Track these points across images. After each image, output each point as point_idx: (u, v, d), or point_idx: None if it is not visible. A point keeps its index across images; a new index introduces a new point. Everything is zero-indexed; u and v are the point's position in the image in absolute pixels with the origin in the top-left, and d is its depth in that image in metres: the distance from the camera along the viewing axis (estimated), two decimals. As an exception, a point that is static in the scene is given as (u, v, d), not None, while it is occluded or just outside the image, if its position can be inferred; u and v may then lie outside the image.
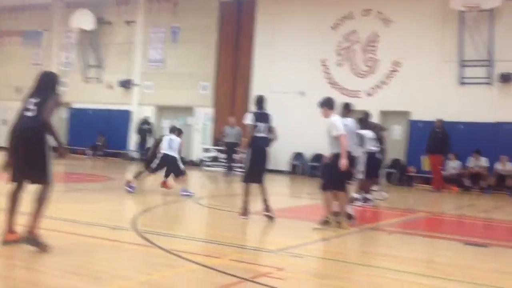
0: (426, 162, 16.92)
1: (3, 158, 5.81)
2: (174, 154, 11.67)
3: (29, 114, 5.72)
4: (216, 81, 22.31)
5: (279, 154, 17.53)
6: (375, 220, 10.34)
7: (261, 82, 20.94)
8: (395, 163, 17.96)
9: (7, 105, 26.67)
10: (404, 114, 18.50)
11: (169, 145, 11.76)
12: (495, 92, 17.17)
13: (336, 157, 8.00)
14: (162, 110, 23.63)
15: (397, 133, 18.76)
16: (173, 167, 11.65)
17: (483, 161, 16.47)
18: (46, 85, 5.97)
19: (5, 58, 27.30)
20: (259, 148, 8.64)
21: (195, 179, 17.28)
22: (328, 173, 8.27)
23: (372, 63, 19.25)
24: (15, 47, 27.11)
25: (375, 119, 18.72)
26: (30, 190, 5.80)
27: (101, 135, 23.85)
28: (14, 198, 5.76)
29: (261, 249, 6.74)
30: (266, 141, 8.70)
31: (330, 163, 8.11)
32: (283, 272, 5.48)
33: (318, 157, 19.41)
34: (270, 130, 8.75)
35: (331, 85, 19.69)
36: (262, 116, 8.73)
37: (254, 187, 8.71)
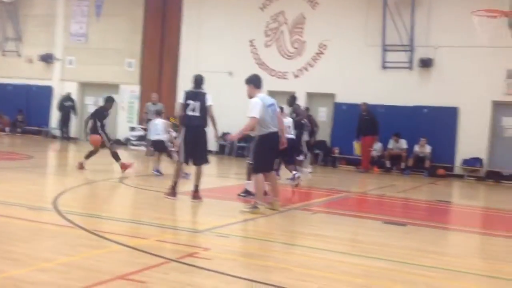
0: (358, 147, 17.35)
1: None
2: (162, 137, 12.02)
3: None
4: (143, 57, 21.82)
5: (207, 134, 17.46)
6: (300, 200, 10.53)
7: (188, 60, 20.70)
8: (321, 144, 18.35)
9: None
10: (329, 96, 18.89)
11: (155, 131, 12.06)
12: (415, 77, 17.85)
13: (262, 138, 8.02)
14: (86, 86, 22.87)
15: (322, 115, 19.15)
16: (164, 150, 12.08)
17: (403, 143, 17.14)
18: None
19: None
20: (190, 127, 8.51)
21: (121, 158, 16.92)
22: (256, 155, 8.28)
23: (299, 44, 19.46)
24: None
25: (302, 100, 19.10)
26: None
27: (20, 111, 22.81)
28: None
29: (188, 229, 6.70)
30: (199, 120, 8.49)
31: (257, 145, 8.14)
32: (209, 252, 5.48)
33: (246, 138, 19.53)
34: (204, 109, 8.54)
35: (259, 65, 19.75)
36: (195, 95, 8.57)
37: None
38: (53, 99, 22.76)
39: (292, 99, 13.42)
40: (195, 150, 8.59)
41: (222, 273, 4.72)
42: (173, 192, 8.60)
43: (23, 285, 4.03)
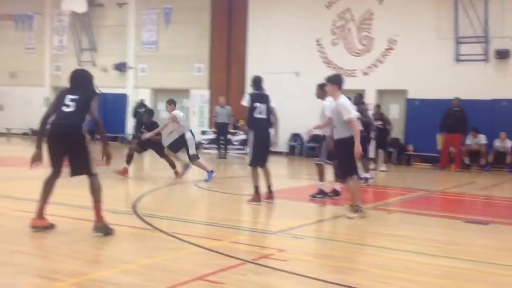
0: (440, 141, 16.72)
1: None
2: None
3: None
4: (211, 62, 22.17)
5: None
6: (375, 199, 10.34)
7: (256, 62, 20.82)
8: (394, 142, 17.95)
9: (3, 90, 26.57)
10: (401, 92, 18.45)
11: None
12: (491, 69, 17.12)
13: (348, 141, 7.52)
14: (158, 93, 23.51)
15: (394, 112, 18.73)
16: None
17: (482, 139, 16.46)
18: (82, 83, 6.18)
19: (-2, 42, 27.04)
20: (260, 130, 8.44)
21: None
22: (343, 159, 7.78)
23: (367, 41, 19.14)
24: (7, 31, 26.81)
25: (372, 98, 18.76)
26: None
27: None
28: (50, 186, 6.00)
29: (262, 230, 6.73)
30: (267, 123, 8.48)
31: (346, 149, 7.56)
32: (284, 253, 5.47)
33: (316, 138, 19.41)
34: (270, 111, 8.53)
35: (326, 64, 19.59)
36: (260, 97, 8.55)
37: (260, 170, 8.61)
38: (128, 106, 23.56)
39: (358, 98, 13.02)
40: (266, 153, 8.60)
41: (299, 275, 4.70)
42: (256, 197, 8.43)
43: (107, 286, 4.18)
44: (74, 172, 6.02)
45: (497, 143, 16.34)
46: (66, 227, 6.32)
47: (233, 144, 20.52)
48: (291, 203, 8.99)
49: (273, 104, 8.54)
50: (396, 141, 18.15)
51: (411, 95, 18.30)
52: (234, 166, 12.67)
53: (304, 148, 19.65)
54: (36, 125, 6.32)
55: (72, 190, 7.55)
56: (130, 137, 23.20)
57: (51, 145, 5.90)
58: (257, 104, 8.43)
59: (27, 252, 5.13)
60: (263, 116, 8.42)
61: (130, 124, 23.43)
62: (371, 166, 14.99)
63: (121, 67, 23.83)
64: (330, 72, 19.47)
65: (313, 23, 19.86)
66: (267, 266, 4.92)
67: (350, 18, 19.47)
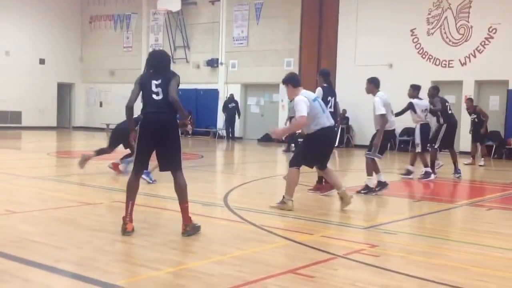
0: None
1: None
2: None
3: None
4: (301, 56, 22.12)
5: (365, 129, 17.21)
6: (472, 195, 9.88)
7: (347, 55, 20.56)
8: (493, 135, 17.05)
9: (103, 87, 28.06)
10: (502, 83, 17.48)
11: None
12: None
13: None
14: (248, 87, 23.82)
15: (494, 103, 17.79)
16: None
17: None
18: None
19: (98, 42, 28.53)
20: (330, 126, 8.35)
21: (283, 156, 17.35)
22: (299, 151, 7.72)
23: (465, 30, 18.30)
24: (106, 31, 28.24)
25: (470, 89, 17.94)
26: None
27: (190, 114, 24.48)
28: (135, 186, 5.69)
29: (353, 225, 6.63)
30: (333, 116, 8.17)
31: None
32: (376, 248, 5.36)
33: (408, 131, 18.87)
34: (336, 105, 8.63)
35: (421, 55, 18.97)
36: (331, 90, 8.58)
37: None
38: (219, 101, 24.06)
39: (431, 90, 12.03)
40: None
41: (392, 271, 4.59)
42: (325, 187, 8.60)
43: (202, 276, 4.29)
44: (164, 167, 5.72)
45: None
46: (162, 218, 6.56)
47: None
48: (382, 198, 8.78)
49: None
50: (496, 134, 17.24)
51: (512, 85, 17.28)
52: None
53: (396, 142, 19.15)
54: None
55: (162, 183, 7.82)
56: (220, 131, 23.69)
57: (144, 137, 5.56)
58: (329, 98, 8.47)
59: (126, 241, 5.37)
60: (331, 109, 8.35)
61: (221, 118, 23.91)
62: (469, 160, 14.37)
63: (212, 63, 24.36)
64: (425, 63, 19.00)
65: (407, 13, 19.28)
66: (359, 261, 4.83)
67: (447, 6, 18.70)
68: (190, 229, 5.57)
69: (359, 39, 20.36)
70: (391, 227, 6.46)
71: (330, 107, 8.38)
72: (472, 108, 14.80)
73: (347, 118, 20.21)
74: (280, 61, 22.45)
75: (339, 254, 5.05)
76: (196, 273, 4.39)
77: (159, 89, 5.61)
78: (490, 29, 17.74)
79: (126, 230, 5.51)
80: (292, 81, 7.52)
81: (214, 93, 24.32)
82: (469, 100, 15.21)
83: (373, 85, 8.74)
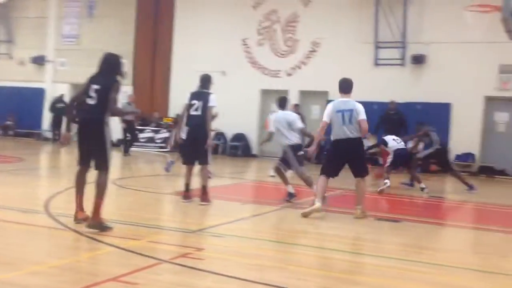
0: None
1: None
2: None
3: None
4: (135, 58, 21.75)
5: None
6: (295, 198, 10.48)
7: (182, 60, 20.68)
8: (312, 142, 18.26)
9: None
10: (323, 94, 18.87)
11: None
12: (407, 73, 17.86)
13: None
14: (78, 88, 22.74)
15: (316, 112, 19.12)
16: None
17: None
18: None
19: None
20: (190, 127, 8.46)
21: (113, 160, 16.85)
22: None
23: (292, 43, 19.45)
24: None
25: (295, 98, 19.10)
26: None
27: (11, 114, 22.72)
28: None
29: (181, 229, 6.67)
30: (198, 119, 8.36)
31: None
32: (202, 252, 5.45)
33: (238, 137, 19.51)
34: (206, 109, 8.40)
35: (251, 64, 19.75)
36: (199, 95, 8.52)
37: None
38: (45, 101, 22.65)
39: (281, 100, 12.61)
40: (193, 151, 8.50)
41: (215, 273, 4.69)
42: (187, 194, 8.50)
43: (13, 289, 4.00)
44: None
45: (409, 145, 16.91)
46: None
47: (156, 142, 20.29)
48: (213, 201, 8.95)
49: (211, 103, 8.44)
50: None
51: (331, 96, 18.72)
52: (156, 164, 12.54)
53: (227, 147, 19.69)
54: None
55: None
56: (47, 133, 22.38)
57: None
58: (195, 101, 8.41)
59: None
60: (197, 112, 8.36)
61: (46, 119, 22.54)
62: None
63: (39, 60, 22.87)
64: (255, 72, 19.83)
65: (240, 23, 19.95)
66: (184, 265, 4.87)
67: (276, 19, 19.71)
68: (96, 223, 5.93)
69: (194, 44, 20.58)
70: (218, 230, 6.61)
71: (196, 109, 8.37)
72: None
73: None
74: (113, 62, 21.81)
75: (164, 259, 5.04)
76: (8, 285, 4.07)
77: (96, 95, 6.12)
78: (314, 43, 19.08)
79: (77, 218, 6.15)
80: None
81: (40, 92, 22.84)
82: (296, 106, 16.13)
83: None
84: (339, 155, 7.99)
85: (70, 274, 4.45)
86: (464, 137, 16.93)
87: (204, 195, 8.36)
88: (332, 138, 8.01)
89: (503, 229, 8.06)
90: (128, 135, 17.83)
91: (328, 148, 8.32)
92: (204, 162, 8.48)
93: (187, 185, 8.45)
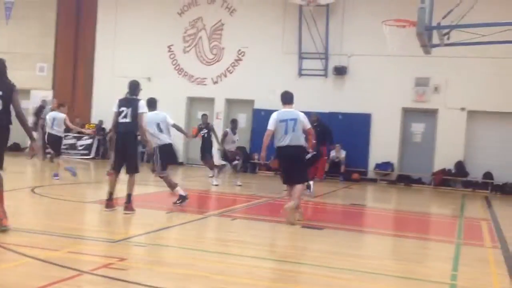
0: None
1: None
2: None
3: None
4: (56, 62, 21.03)
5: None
6: (220, 206, 10.50)
7: (104, 65, 20.23)
8: (240, 150, 18.35)
9: None
10: (249, 102, 19.04)
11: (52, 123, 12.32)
12: (330, 84, 18.36)
13: None
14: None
15: (242, 121, 19.20)
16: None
17: (342, 153, 17.45)
18: None
19: None
20: (119, 134, 8.32)
21: (32, 167, 16.19)
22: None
23: (218, 51, 19.51)
24: None
25: (221, 106, 19.17)
26: None
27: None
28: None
29: (104, 239, 6.48)
30: (127, 126, 8.22)
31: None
32: (124, 262, 5.32)
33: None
34: (135, 116, 8.23)
35: (178, 71, 19.62)
36: (127, 102, 8.34)
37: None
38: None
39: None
40: (123, 158, 8.33)
41: (137, 283, 4.59)
42: (109, 203, 8.28)
43: None
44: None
45: (332, 154, 17.48)
46: None
47: (78, 149, 19.69)
48: (137, 210, 8.77)
49: (141, 110, 8.30)
50: (243, 150, 18.62)
51: (257, 105, 18.93)
52: (78, 171, 12.17)
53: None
54: None
55: None
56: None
57: None
58: (123, 108, 8.26)
59: None
60: (126, 120, 8.22)
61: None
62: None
63: (-50, 63, 21.60)
64: (181, 79, 19.69)
65: (165, 29, 19.78)
66: (106, 276, 4.73)
67: (201, 27, 19.70)
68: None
69: (117, 49, 20.18)
70: (141, 240, 6.49)
71: (125, 116, 8.22)
72: (205, 124, 15.88)
73: (104, 129, 19.81)
74: (32, 65, 21.00)
75: (85, 270, 4.88)
76: None
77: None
78: (239, 52, 19.22)
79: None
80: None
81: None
82: (204, 116, 16.11)
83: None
84: (283, 161, 8.47)
85: (-17, 288, 4.21)
86: (383, 146, 17.59)
87: (128, 203, 8.19)
88: (276, 145, 8.49)
89: (419, 236, 8.42)
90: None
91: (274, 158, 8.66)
92: (132, 170, 8.32)
93: (111, 193, 8.25)
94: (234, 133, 13.95)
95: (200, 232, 7.65)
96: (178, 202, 9.27)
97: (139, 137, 8.51)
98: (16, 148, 19.75)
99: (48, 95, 20.82)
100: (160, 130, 9.28)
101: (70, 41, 20.98)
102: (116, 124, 8.32)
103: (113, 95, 8.79)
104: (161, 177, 9.52)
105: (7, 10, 21.35)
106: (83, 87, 20.67)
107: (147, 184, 12.52)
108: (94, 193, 9.42)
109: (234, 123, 14.20)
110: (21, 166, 16.07)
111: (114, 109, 8.37)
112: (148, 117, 8.90)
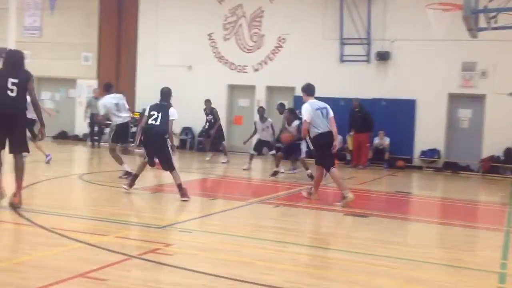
0: (350, 140, 17.29)
1: None
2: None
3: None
4: (100, 51, 21.40)
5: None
6: (262, 193, 10.53)
7: (147, 54, 20.44)
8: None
9: None
10: (290, 89, 18.94)
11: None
12: (372, 70, 18.05)
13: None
14: (41, 81, 22.28)
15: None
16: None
17: (386, 140, 17.22)
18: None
19: None
20: (147, 135, 8.65)
21: (79, 154, 16.61)
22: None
23: (258, 38, 19.44)
24: None
25: (262, 94, 19.18)
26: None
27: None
28: None
29: (150, 225, 6.61)
30: (155, 129, 8.46)
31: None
32: (171, 247, 5.42)
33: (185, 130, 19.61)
34: (164, 121, 8.50)
35: (218, 59, 19.66)
36: (159, 107, 8.66)
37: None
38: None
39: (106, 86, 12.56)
40: (153, 154, 8.67)
41: (184, 268, 4.68)
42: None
43: (-23, 287, 3.90)
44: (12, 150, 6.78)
45: (376, 141, 17.27)
46: None
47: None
48: (179, 197, 8.89)
49: (174, 117, 8.63)
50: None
51: (298, 92, 18.77)
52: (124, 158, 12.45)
53: (195, 142, 19.61)
54: None
55: None
56: None
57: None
58: (154, 112, 8.59)
59: None
60: (155, 122, 8.50)
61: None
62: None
63: (0, 53, 22.28)
64: (222, 67, 19.77)
65: (205, 17, 19.82)
66: (153, 261, 4.83)
67: (241, 14, 19.66)
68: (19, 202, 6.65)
69: (159, 38, 20.38)
70: (186, 226, 6.59)
71: (154, 120, 8.61)
72: (210, 109, 15.98)
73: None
74: (77, 55, 21.42)
75: (133, 255, 4.99)
76: (-29, 283, 3.97)
77: (15, 87, 6.66)
78: (280, 39, 19.11)
79: None
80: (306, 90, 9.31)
81: (1, 85, 22.27)
82: (207, 102, 16.15)
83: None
84: (327, 145, 8.78)
85: (36, 270, 4.36)
86: (429, 133, 17.24)
87: (182, 191, 8.31)
88: (317, 132, 8.73)
89: (467, 224, 8.25)
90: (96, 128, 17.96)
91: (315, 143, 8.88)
92: (167, 168, 8.55)
93: (136, 176, 8.71)
94: (263, 121, 14.01)
95: (243, 219, 7.70)
96: (124, 176, 9.91)
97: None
98: (64, 136, 20.25)
99: (93, 84, 21.25)
100: (117, 111, 10.35)
101: (113, 31, 21.29)
102: (145, 126, 8.67)
103: (156, 84, 8.94)
104: (111, 151, 10.41)
105: (52, 1, 21.81)
106: (126, 76, 20.98)
107: (191, 172, 12.66)
108: (140, 180, 9.54)
109: (259, 111, 14.39)
110: (69, 153, 16.51)
111: (145, 113, 8.79)
112: (105, 101, 10.34)
